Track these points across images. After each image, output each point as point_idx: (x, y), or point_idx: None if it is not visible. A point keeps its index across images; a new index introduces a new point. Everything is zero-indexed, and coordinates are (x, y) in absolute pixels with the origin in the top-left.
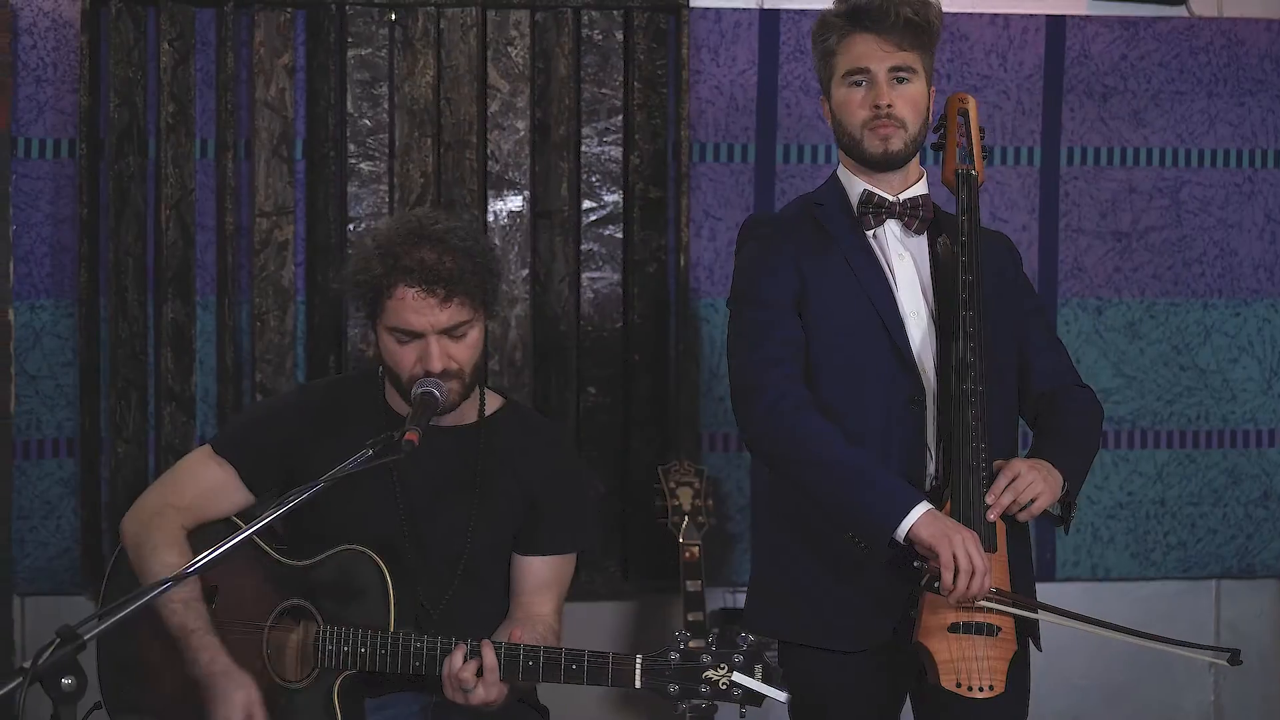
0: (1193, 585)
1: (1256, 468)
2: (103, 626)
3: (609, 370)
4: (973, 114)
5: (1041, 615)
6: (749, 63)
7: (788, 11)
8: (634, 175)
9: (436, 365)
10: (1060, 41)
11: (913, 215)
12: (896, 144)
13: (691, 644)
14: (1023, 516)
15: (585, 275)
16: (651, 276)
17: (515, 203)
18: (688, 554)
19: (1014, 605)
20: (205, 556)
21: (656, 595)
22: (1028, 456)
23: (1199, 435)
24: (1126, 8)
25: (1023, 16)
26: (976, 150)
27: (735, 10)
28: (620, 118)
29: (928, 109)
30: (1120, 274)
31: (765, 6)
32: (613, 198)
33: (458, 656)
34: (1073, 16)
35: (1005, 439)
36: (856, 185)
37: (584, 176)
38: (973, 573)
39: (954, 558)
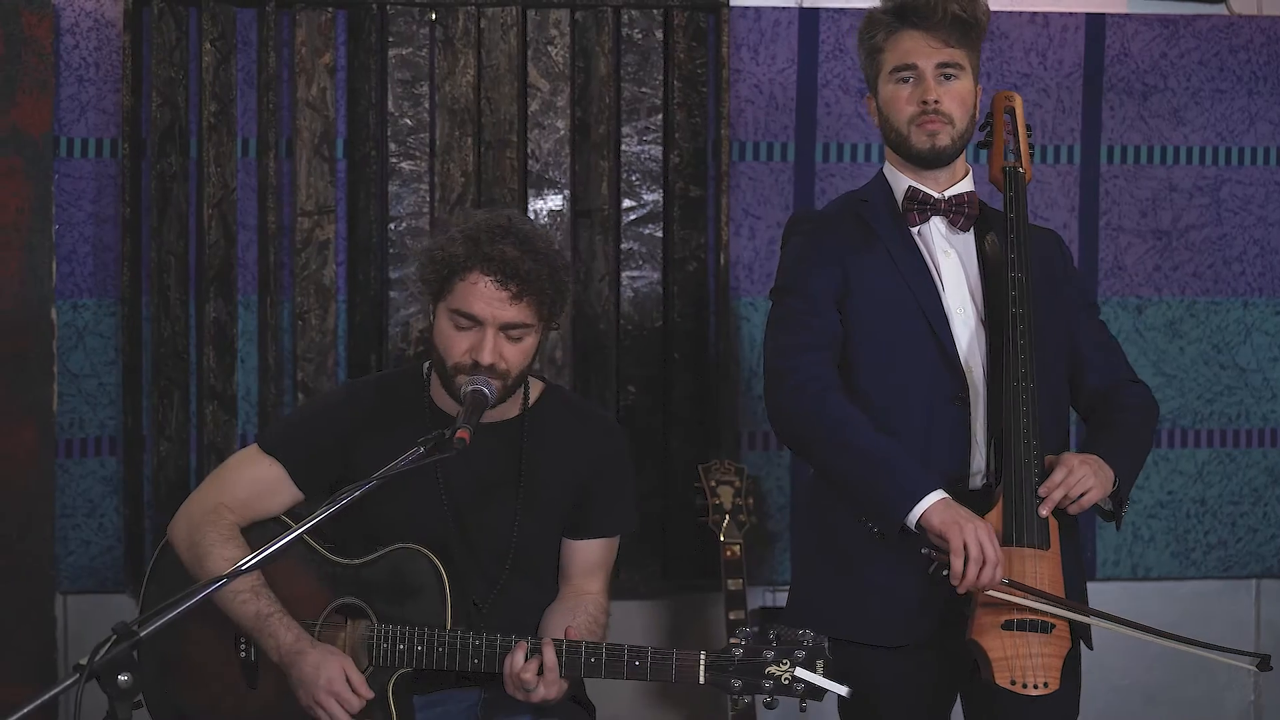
0: (1233, 585)
1: None
2: (160, 623)
3: (649, 369)
4: (1019, 111)
5: (1063, 612)
6: (788, 61)
7: (827, 10)
8: (674, 174)
9: (487, 358)
10: (1100, 40)
11: (958, 212)
12: (944, 140)
13: (753, 640)
14: (1073, 509)
15: (625, 274)
16: (691, 275)
17: (555, 202)
18: (729, 552)
19: (1032, 598)
20: (259, 554)
21: (696, 594)
22: (1080, 452)
23: (1239, 434)
24: (1166, 6)
25: (1062, 15)
26: (1023, 147)
27: (775, 9)
28: (660, 117)
29: (975, 106)
30: (1160, 273)
31: (805, 5)
32: (652, 197)
33: (519, 656)
34: (1112, 15)
35: (1055, 435)
36: (902, 182)
37: (624, 175)
38: (984, 562)
39: (965, 545)
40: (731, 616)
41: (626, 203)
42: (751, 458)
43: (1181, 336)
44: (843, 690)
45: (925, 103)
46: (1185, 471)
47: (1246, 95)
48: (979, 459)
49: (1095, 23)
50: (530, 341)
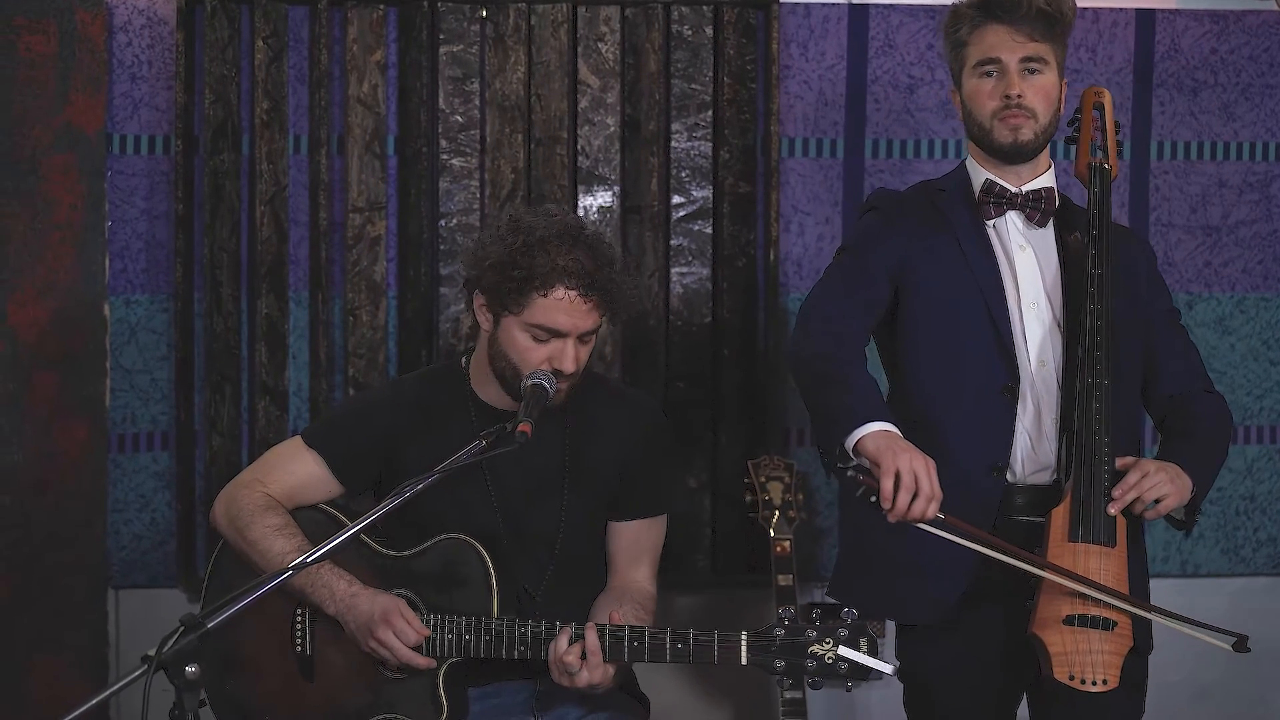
0: None
1: None
2: (227, 614)
3: (698, 365)
4: (1108, 107)
5: (1006, 558)
6: (838, 57)
7: (877, 6)
8: (723, 170)
9: (571, 367)
10: (1150, 35)
11: (1034, 207)
12: (1026, 134)
13: (795, 620)
14: (1149, 515)
15: (674, 270)
16: (740, 271)
17: (605, 198)
18: (779, 548)
19: (980, 545)
20: (320, 548)
21: (746, 590)
22: (1157, 458)
23: None
24: (1216, 1)
25: (1112, 10)
26: (1111, 144)
27: (824, 5)
28: (710, 113)
29: (1059, 100)
30: (1210, 268)
31: (854, 1)
32: (702, 193)
33: (562, 640)
34: (1162, 10)
35: (1127, 435)
36: (980, 175)
37: (673, 172)
38: (916, 493)
39: (897, 471)
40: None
41: (676, 199)
42: (800, 454)
43: (1231, 333)
44: (888, 668)
45: (1008, 97)
46: (1234, 468)
47: None
48: (1045, 452)
49: (1145, 18)
50: (594, 339)
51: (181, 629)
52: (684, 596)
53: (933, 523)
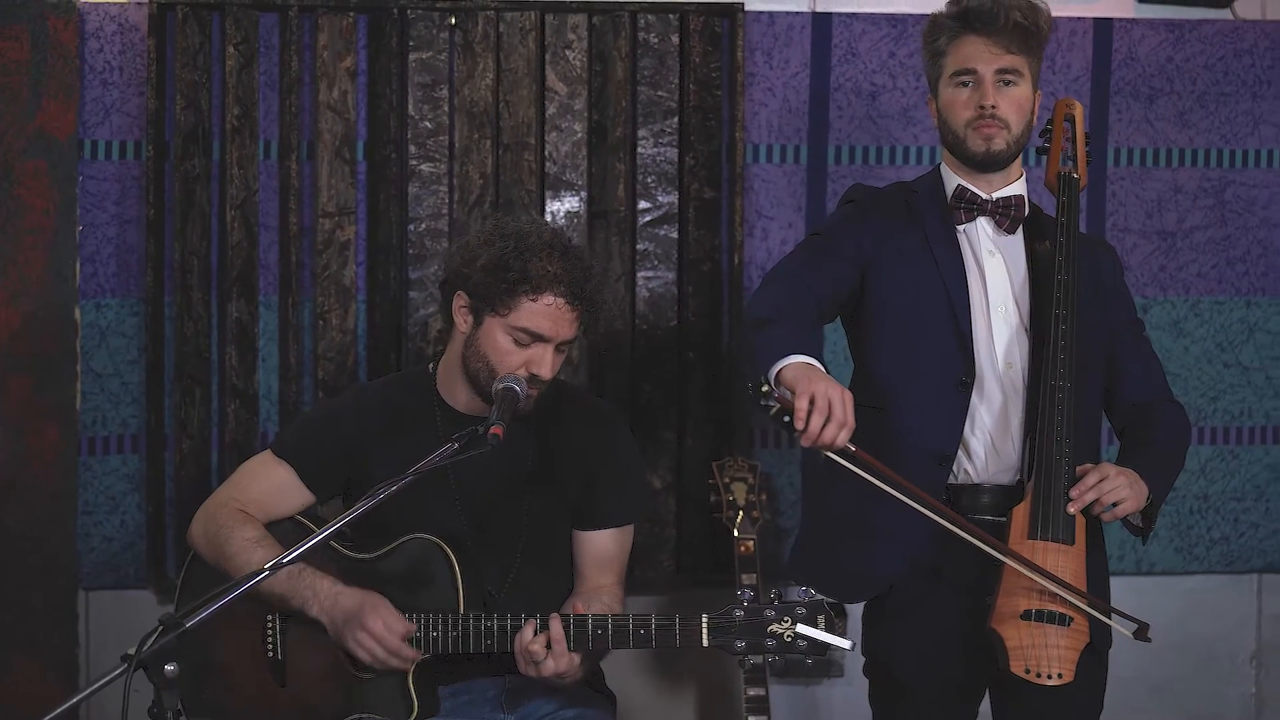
0: (1235, 579)
1: None
2: (205, 614)
3: (663, 368)
4: (1079, 119)
5: (926, 510)
6: (802, 65)
7: (840, 15)
8: (689, 176)
9: (549, 373)
10: (1107, 44)
11: (1004, 214)
12: (999, 144)
13: (754, 601)
14: (1106, 517)
15: (640, 274)
16: (706, 276)
17: (572, 203)
18: (742, 548)
19: (879, 479)
20: (294, 550)
21: (710, 589)
22: (1115, 464)
23: (1241, 431)
24: (1173, 10)
25: (1070, 19)
26: (1080, 154)
27: (788, 13)
28: (675, 119)
29: (1032, 111)
30: (1165, 273)
31: (818, 10)
32: (668, 198)
33: (527, 631)
34: (1120, 19)
35: (1088, 437)
36: (953, 181)
37: (640, 177)
38: (829, 417)
39: (812, 396)
40: None
41: (642, 204)
42: (764, 455)
43: (1186, 335)
44: (846, 644)
45: (983, 107)
46: (1188, 468)
47: (1251, 99)
48: (1009, 452)
49: (1103, 27)
50: (567, 350)
51: (161, 628)
52: (649, 596)
53: (842, 453)
